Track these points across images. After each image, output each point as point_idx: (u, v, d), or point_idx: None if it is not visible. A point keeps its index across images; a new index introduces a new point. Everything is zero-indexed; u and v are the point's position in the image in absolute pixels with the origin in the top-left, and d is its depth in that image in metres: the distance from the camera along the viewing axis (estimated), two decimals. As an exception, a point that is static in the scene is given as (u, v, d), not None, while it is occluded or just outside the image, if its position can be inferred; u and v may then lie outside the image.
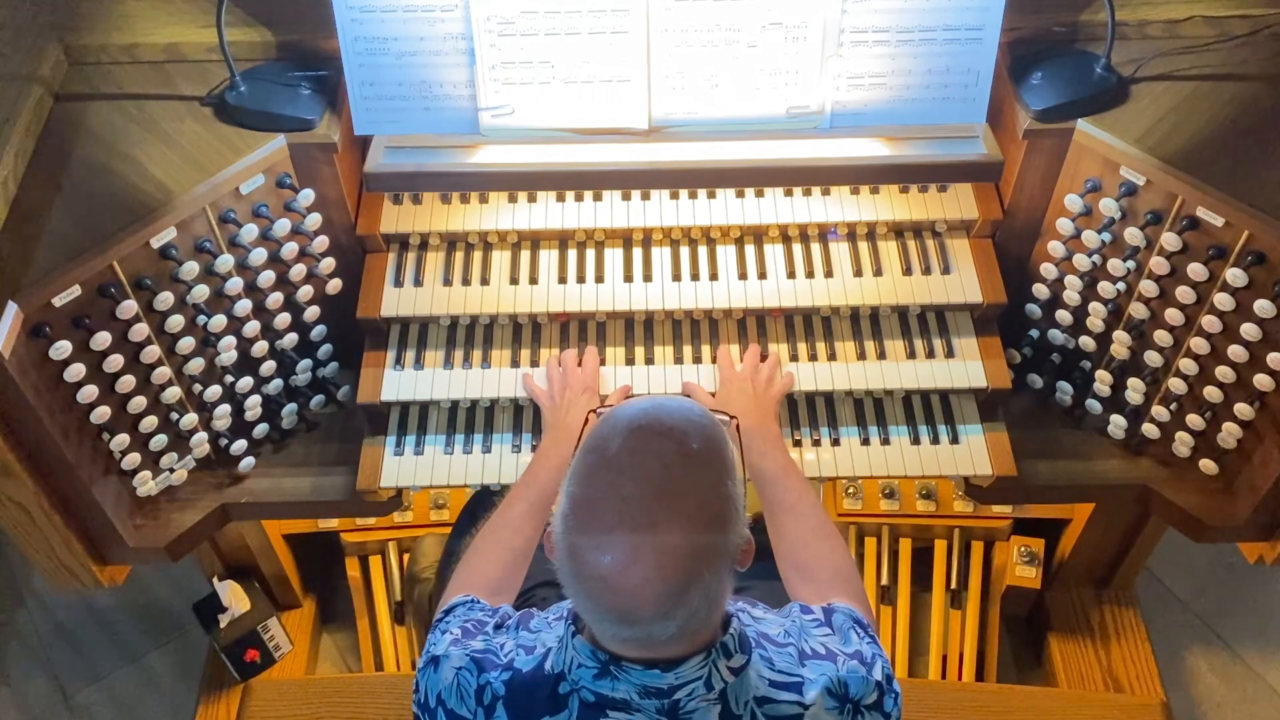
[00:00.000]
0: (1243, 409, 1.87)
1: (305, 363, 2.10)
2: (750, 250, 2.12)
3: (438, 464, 2.04)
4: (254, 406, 2.04)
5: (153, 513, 2.03)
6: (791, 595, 1.64)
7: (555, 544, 1.22)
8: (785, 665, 1.32)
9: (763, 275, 2.09)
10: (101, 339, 1.76)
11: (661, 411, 1.21)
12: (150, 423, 1.91)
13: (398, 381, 2.06)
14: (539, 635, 1.39)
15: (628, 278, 2.10)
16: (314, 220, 1.99)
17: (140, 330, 1.81)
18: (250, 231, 1.90)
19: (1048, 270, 2.05)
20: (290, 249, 1.96)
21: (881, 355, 2.07)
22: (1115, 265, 1.93)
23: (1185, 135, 1.86)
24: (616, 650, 1.24)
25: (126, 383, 1.83)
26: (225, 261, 1.89)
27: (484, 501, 2.13)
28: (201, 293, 1.86)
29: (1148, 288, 1.90)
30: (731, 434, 1.29)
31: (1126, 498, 2.10)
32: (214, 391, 1.98)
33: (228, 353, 1.96)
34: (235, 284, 1.91)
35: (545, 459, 1.84)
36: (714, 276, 2.09)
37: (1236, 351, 1.82)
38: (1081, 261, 1.97)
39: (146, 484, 1.97)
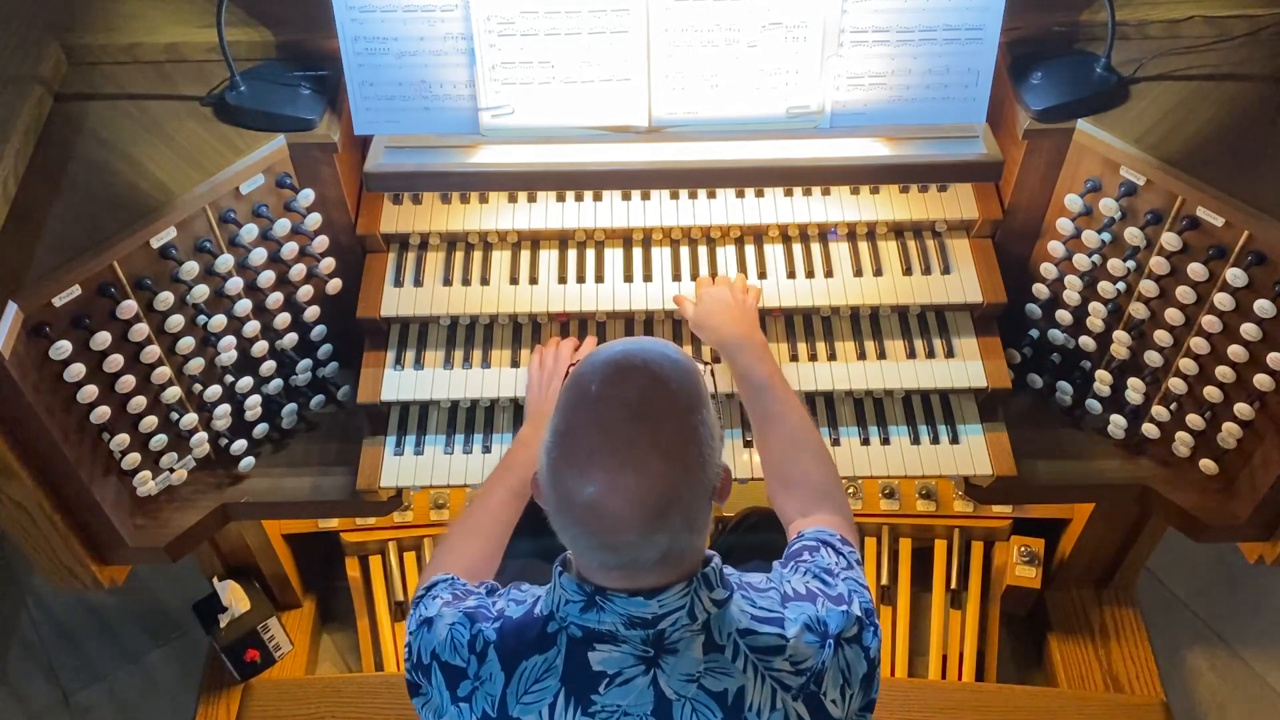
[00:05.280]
0: (1243, 409, 1.87)
1: (305, 363, 2.10)
2: (750, 250, 2.12)
3: (438, 464, 2.04)
4: (254, 406, 2.04)
5: (153, 513, 2.03)
6: (775, 507, 1.68)
7: (540, 479, 1.27)
8: (767, 604, 1.35)
9: (763, 275, 2.09)
10: (101, 339, 1.76)
11: (638, 348, 1.28)
12: (150, 423, 1.91)
13: (398, 381, 2.06)
14: (530, 590, 1.42)
15: (628, 278, 2.10)
16: (314, 220, 1.99)
17: (140, 330, 1.81)
18: (250, 231, 1.90)
19: (1048, 270, 2.05)
20: (290, 249, 1.96)
21: (881, 355, 2.07)
22: (1115, 265, 1.93)
23: (1185, 135, 1.86)
24: (602, 581, 1.27)
25: (126, 383, 1.83)
26: (225, 261, 1.89)
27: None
28: (201, 293, 1.86)
29: (1148, 288, 1.90)
30: (707, 379, 1.34)
31: (1126, 498, 2.10)
32: (214, 391, 1.98)
33: (228, 353, 1.96)
34: (235, 284, 1.91)
35: (523, 446, 1.85)
36: (714, 276, 2.09)
37: (1236, 351, 1.82)
38: (1081, 261, 1.97)
39: (146, 484, 1.97)
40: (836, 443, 2.05)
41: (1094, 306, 2.01)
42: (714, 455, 1.25)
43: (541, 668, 1.30)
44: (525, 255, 2.13)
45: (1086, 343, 2.06)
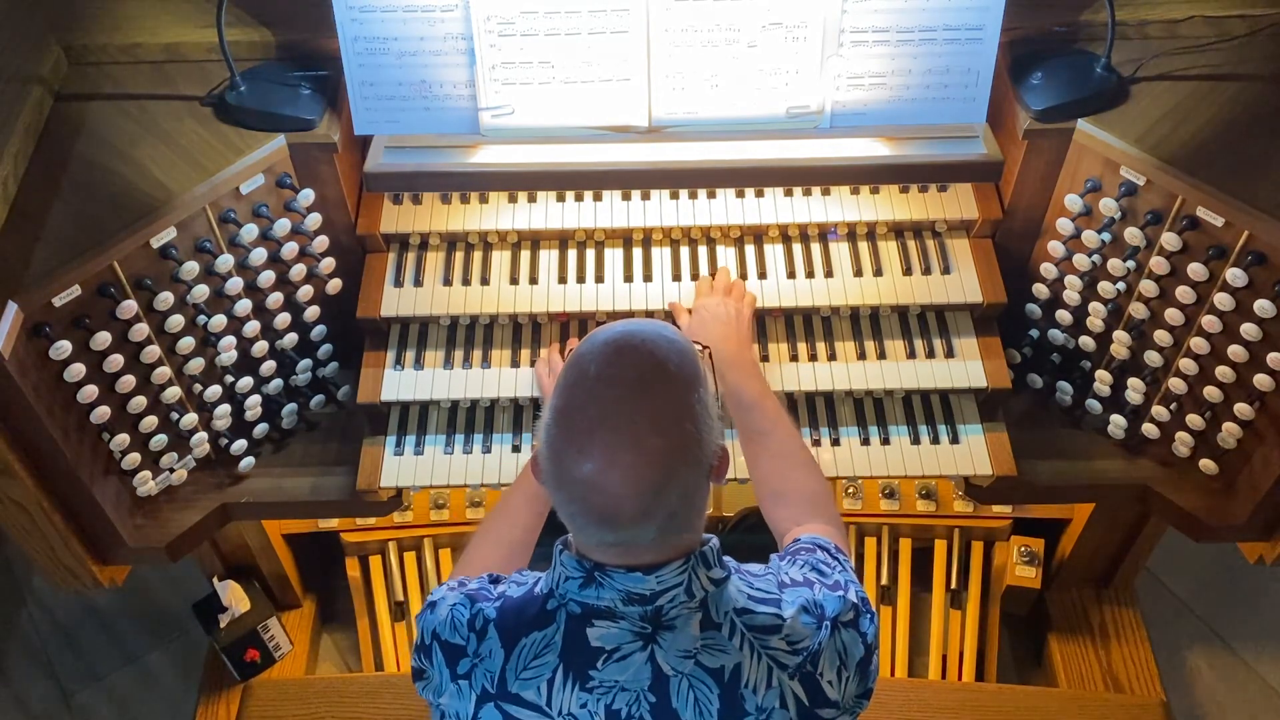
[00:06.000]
0: (1243, 409, 1.87)
1: (305, 363, 2.10)
2: (750, 250, 2.12)
3: (438, 464, 2.04)
4: (254, 406, 2.04)
5: (153, 513, 2.03)
6: (768, 519, 1.69)
7: (540, 458, 1.28)
8: (764, 586, 1.37)
9: (763, 275, 2.09)
10: (101, 339, 1.76)
11: (636, 329, 1.30)
12: (150, 423, 1.91)
13: (398, 381, 2.06)
14: (531, 574, 1.43)
15: (628, 278, 2.10)
16: (314, 220, 1.99)
17: (140, 330, 1.81)
18: (250, 231, 1.90)
19: (1048, 270, 2.05)
20: (290, 249, 1.96)
21: (881, 355, 2.07)
22: (1115, 265, 1.93)
23: (1185, 135, 1.86)
24: (600, 559, 1.28)
25: (126, 383, 1.83)
26: (225, 261, 1.89)
27: None
28: (201, 293, 1.87)
29: (1148, 287, 1.90)
30: (705, 362, 1.35)
31: (1126, 498, 2.10)
32: (214, 391, 1.98)
33: (228, 353, 1.96)
34: (235, 284, 1.91)
35: None
36: (713, 274, 2.09)
37: (1236, 351, 1.82)
38: (1081, 261, 1.97)
39: (146, 484, 1.97)
40: (836, 443, 2.05)
41: (1094, 306, 2.01)
42: (711, 434, 1.26)
43: (541, 644, 1.31)
44: (525, 255, 2.13)
45: (1086, 343, 2.06)
